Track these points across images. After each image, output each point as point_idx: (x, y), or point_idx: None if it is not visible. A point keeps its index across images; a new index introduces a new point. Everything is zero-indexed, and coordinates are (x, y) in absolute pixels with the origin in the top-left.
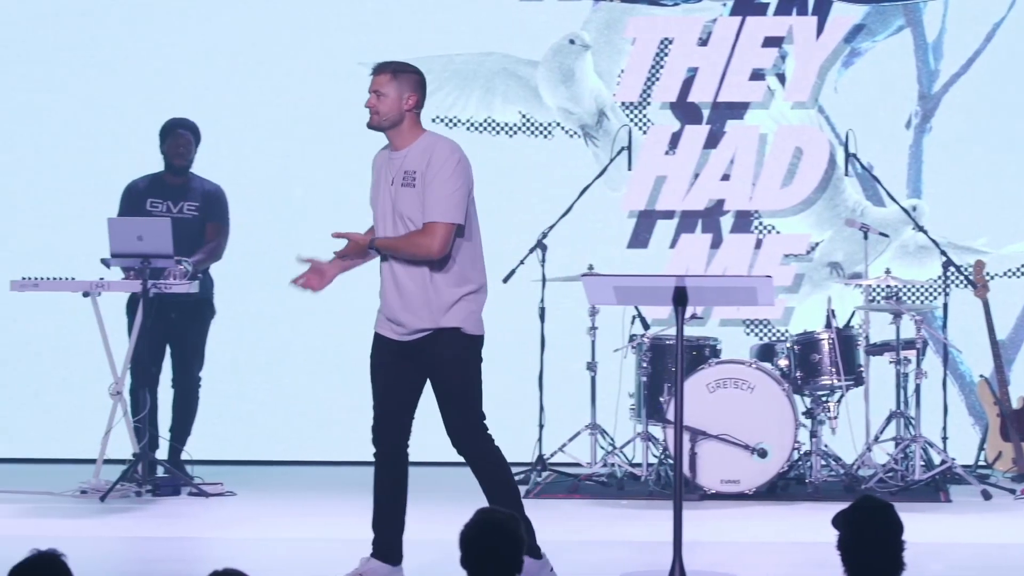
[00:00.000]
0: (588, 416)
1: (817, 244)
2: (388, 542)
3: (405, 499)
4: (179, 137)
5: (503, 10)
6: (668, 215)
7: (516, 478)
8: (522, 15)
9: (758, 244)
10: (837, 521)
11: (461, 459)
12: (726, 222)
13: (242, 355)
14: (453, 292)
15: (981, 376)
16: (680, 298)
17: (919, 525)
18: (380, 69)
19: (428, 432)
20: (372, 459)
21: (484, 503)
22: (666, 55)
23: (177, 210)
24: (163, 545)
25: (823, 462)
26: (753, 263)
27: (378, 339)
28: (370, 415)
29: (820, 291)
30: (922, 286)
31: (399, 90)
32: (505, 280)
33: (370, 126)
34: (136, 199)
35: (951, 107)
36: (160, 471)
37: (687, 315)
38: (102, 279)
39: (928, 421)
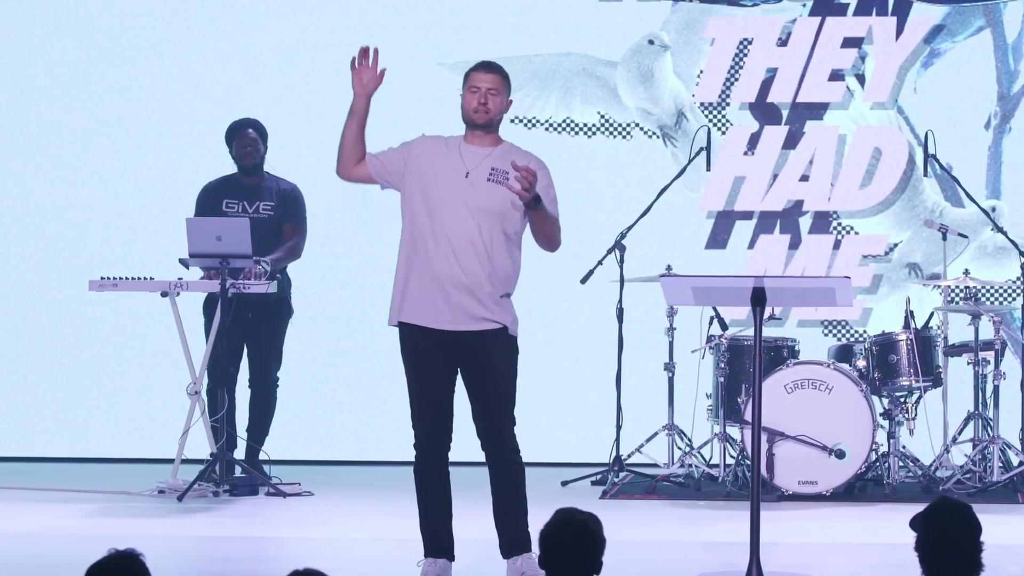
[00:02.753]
0: (666, 417)
1: (896, 245)
2: (445, 538)
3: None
4: (244, 136)
5: (582, 11)
6: (747, 216)
7: (594, 478)
8: (601, 16)
9: (836, 245)
10: (915, 522)
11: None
12: (805, 223)
13: (320, 355)
14: (509, 291)
15: None
16: (758, 299)
17: (997, 526)
18: (494, 69)
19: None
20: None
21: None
22: (745, 56)
23: (253, 210)
24: (240, 545)
25: (901, 463)
26: (831, 264)
27: (413, 330)
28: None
29: (898, 292)
30: (1001, 287)
31: (505, 93)
32: (583, 281)
33: (481, 122)
34: (211, 200)
35: None
36: (238, 471)
37: (765, 316)
38: (181, 279)
39: (1006, 422)
